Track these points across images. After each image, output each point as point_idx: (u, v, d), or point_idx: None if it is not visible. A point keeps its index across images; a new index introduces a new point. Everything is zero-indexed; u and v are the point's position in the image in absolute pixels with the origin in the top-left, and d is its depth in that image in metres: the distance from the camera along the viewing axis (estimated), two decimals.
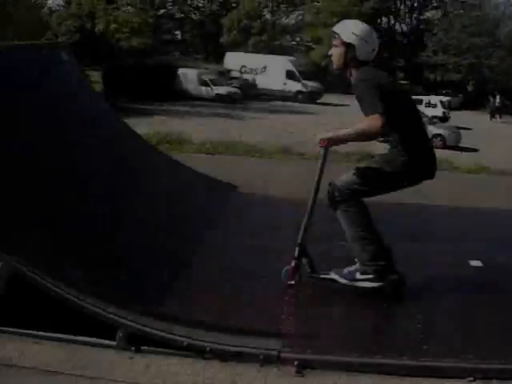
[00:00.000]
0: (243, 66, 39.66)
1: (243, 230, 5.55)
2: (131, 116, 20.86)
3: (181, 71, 36.49)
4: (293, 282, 4.18)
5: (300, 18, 56.64)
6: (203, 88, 35.12)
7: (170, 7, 59.43)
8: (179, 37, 61.83)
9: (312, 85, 38.26)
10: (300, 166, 10.06)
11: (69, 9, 58.31)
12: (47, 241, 3.82)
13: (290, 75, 38.07)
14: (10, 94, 4.64)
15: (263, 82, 38.23)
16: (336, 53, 4.13)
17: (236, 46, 51.74)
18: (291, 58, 42.22)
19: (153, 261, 4.35)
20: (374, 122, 3.75)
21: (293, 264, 4.19)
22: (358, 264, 4.20)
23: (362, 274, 4.19)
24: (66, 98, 5.82)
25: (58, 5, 63.11)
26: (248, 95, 35.81)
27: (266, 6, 56.09)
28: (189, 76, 35.93)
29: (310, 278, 4.24)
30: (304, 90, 37.76)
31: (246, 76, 38.90)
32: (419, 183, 4.28)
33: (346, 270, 4.23)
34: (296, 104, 35.35)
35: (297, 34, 58.20)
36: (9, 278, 3.39)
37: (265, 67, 39.17)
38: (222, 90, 34.92)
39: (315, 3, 50.65)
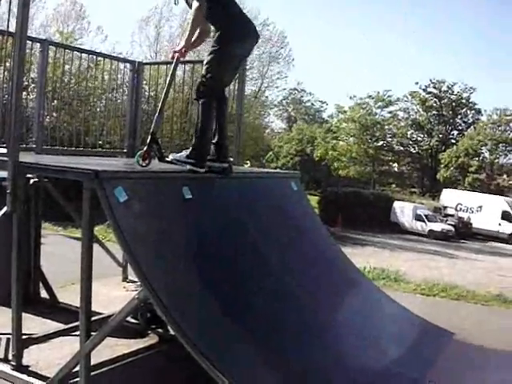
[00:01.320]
0: (459, 204, 39.16)
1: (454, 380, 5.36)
2: (346, 244, 21.86)
3: (397, 204, 37.20)
4: (144, 164, 5.10)
5: None
6: (418, 223, 35.34)
7: (390, 139, 60.79)
8: (396, 169, 62.71)
9: None
10: None
11: (290, 132, 62.41)
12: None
13: (505, 216, 36.70)
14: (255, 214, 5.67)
15: (478, 221, 37.34)
16: None
17: (452, 183, 51.54)
18: (508, 198, 40.78)
19: None
20: (194, 9, 5.13)
21: (145, 149, 5.21)
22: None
23: (186, 157, 5.30)
24: (294, 229, 6.29)
25: (280, 127, 68.12)
26: (462, 234, 35.24)
27: (485, 145, 55.38)
28: (405, 210, 36.46)
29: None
30: None
31: (461, 214, 38.35)
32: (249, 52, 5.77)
33: (181, 153, 5.41)
34: (510, 246, 33.73)
35: None
36: None
37: (480, 206, 38.25)
38: (436, 226, 34.86)
39: None
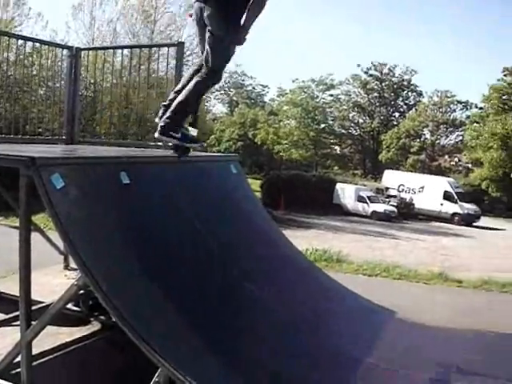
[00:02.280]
0: (401, 185, 39.69)
1: (397, 358, 5.50)
2: (289, 227, 22.04)
3: (339, 186, 37.43)
4: None
5: (460, 138, 55.93)
6: (360, 204, 35.62)
7: (332, 122, 61.31)
8: (338, 151, 63.32)
9: (469, 207, 37.11)
10: (458, 295, 10.19)
11: (232, 117, 62.20)
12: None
13: (447, 196, 37.51)
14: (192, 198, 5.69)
15: (420, 201, 38.04)
16: None
17: (394, 164, 52.42)
18: (449, 179, 41.76)
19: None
20: None
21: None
22: None
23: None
24: (232, 210, 6.36)
25: (221, 112, 67.71)
26: (405, 214, 35.83)
27: (427, 126, 56.48)
28: (346, 191, 36.74)
29: None
30: (460, 212, 36.97)
31: (403, 195, 38.97)
32: None
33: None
34: (452, 226, 34.78)
35: (456, 154, 57.74)
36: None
37: (422, 187, 38.84)
38: (378, 207, 35.21)
39: (475, 125, 49.21)
